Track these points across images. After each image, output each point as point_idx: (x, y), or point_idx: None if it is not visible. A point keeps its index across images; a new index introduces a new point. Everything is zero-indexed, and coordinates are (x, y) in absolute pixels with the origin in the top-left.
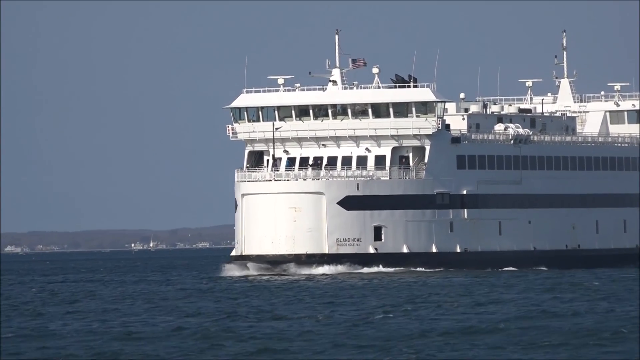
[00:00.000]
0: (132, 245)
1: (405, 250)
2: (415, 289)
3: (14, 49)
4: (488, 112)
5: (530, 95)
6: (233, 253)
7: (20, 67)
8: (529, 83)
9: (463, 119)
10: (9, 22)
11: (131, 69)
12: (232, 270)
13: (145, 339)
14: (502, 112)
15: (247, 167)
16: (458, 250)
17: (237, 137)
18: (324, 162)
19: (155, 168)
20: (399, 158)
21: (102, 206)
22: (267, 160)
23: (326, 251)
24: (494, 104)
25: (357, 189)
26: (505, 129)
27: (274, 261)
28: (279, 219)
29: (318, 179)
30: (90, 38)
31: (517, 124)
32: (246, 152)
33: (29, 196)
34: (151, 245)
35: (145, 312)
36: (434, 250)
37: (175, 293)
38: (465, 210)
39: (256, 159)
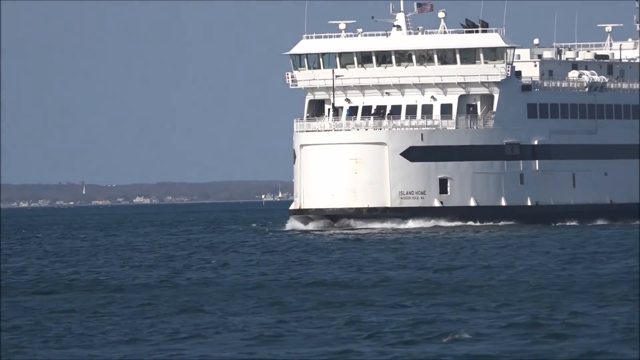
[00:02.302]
0: (263, 196)
1: (472, 203)
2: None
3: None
4: (562, 59)
5: (610, 41)
6: (292, 207)
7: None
8: (608, 28)
9: (535, 65)
10: None
11: (185, 14)
12: (294, 223)
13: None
14: (576, 59)
15: (307, 117)
16: (529, 203)
17: (296, 85)
18: (387, 111)
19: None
20: (466, 107)
21: (230, 157)
22: (328, 110)
23: (389, 205)
24: (569, 49)
25: (422, 139)
26: (580, 75)
27: (334, 215)
28: (339, 171)
29: (380, 129)
30: None
31: (593, 71)
32: (306, 100)
33: (157, 148)
34: (280, 196)
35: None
36: (503, 203)
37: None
38: (537, 161)
39: (317, 108)
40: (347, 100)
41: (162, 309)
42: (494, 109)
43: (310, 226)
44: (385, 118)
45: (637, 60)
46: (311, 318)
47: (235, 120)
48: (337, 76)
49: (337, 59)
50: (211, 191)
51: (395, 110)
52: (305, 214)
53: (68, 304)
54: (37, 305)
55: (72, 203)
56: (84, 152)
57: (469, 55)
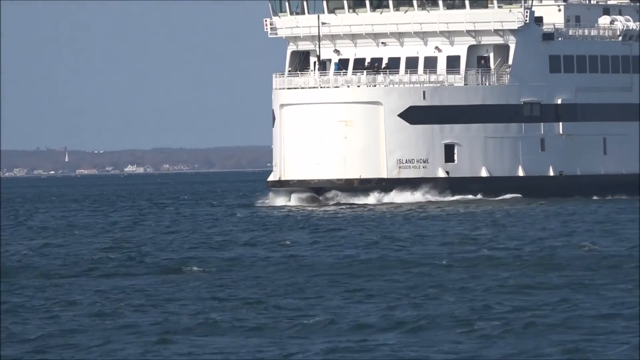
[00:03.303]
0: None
1: (484, 174)
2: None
3: None
4: (591, 2)
5: None
6: (271, 177)
7: None
8: None
9: (559, 10)
10: None
11: None
12: (275, 199)
13: None
14: (608, 2)
15: (289, 72)
16: (551, 173)
17: (276, 34)
18: (383, 64)
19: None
20: (477, 59)
21: (237, 120)
22: (314, 63)
23: (384, 175)
24: None
25: (424, 98)
26: (612, 22)
27: (319, 187)
28: (326, 135)
29: (375, 85)
30: None
31: (628, 17)
32: (288, 52)
33: (151, 108)
34: None
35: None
36: (521, 173)
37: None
38: (561, 124)
39: (301, 61)
40: (336, 51)
41: None
42: (510, 62)
43: (292, 201)
44: (381, 73)
45: None
46: None
47: (241, 81)
48: (323, 23)
49: (324, 2)
50: (215, 158)
51: (393, 63)
52: (286, 186)
53: None
54: None
55: (52, 172)
56: (67, 114)
57: None
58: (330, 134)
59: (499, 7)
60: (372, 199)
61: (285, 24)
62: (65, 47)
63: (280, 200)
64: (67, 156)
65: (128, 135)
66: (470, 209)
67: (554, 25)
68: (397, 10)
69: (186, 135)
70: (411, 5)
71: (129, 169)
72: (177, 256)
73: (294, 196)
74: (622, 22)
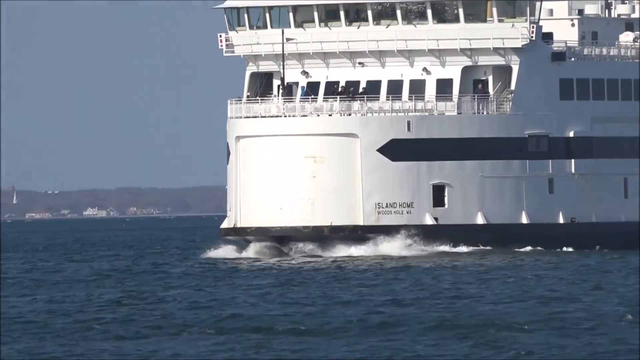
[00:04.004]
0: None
1: (480, 220)
2: None
3: None
4: (612, 15)
5: None
6: (224, 225)
7: None
8: None
9: (572, 25)
10: None
11: None
12: (225, 250)
13: None
14: (632, 15)
15: (248, 97)
16: (561, 221)
17: (233, 52)
18: (361, 88)
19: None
20: (473, 83)
21: (215, 154)
22: (277, 87)
23: (361, 222)
24: (622, 2)
25: (409, 129)
26: (636, 40)
27: (282, 236)
28: (291, 173)
29: (350, 114)
30: None
31: None
32: (247, 73)
33: (115, 141)
34: None
35: None
36: (525, 221)
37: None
38: (573, 161)
39: (262, 85)
40: (304, 73)
41: None
42: (512, 87)
43: (249, 252)
44: (358, 99)
45: None
46: None
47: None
48: (289, 39)
49: (291, 14)
50: (192, 200)
51: (372, 87)
52: (242, 235)
53: None
54: None
55: None
56: (13, 148)
57: (476, 10)
58: (296, 173)
59: (500, 21)
60: (344, 250)
61: (244, 40)
62: (10, 69)
63: (229, 252)
64: (15, 197)
65: (88, 172)
66: (465, 263)
67: (566, 43)
68: (378, 24)
69: (157, 172)
70: (394, 18)
71: (89, 212)
72: None
73: (252, 247)
74: None
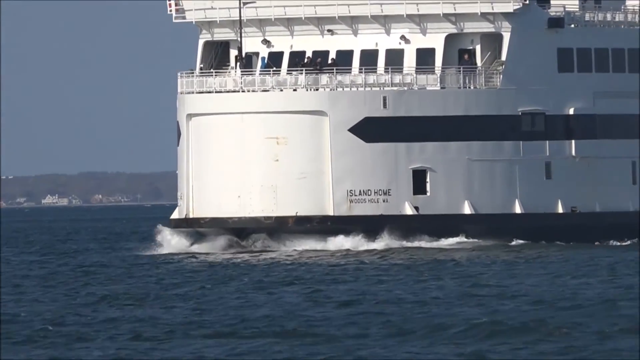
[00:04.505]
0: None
1: (467, 210)
2: None
3: None
4: None
5: None
6: (175, 215)
7: None
8: None
9: None
10: None
11: None
12: (173, 242)
13: None
14: None
15: (202, 69)
16: (560, 210)
17: (184, 18)
18: (330, 59)
19: None
20: (458, 53)
21: None
22: (235, 58)
23: (330, 212)
24: None
25: (385, 106)
26: None
27: (240, 229)
28: (251, 157)
29: (317, 89)
30: None
31: None
32: (200, 43)
33: (77, 122)
34: None
35: None
36: (518, 210)
37: None
38: (573, 142)
39: (217, 55)
40: (266, 42)
41: None
42: (503, 57)
43: (203, 246)
44: (326, 72)
45: None
46: None
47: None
48: (247, 3)
49: None
50: (164, 186)
51: (343, 58)
52: (195, 227)
53: None
54: None
55: None
56: None
57: None
58: (256, 156)
59: None
60: (310, 244)
61: (196, 5)
62: None
63: (179, 244)
64: None
65: (47, 155)
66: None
67: (565, 8)
68: None
69: (124, 156)
70: None
71: (49, 200)
72: None
73: (207, 240)
74: None
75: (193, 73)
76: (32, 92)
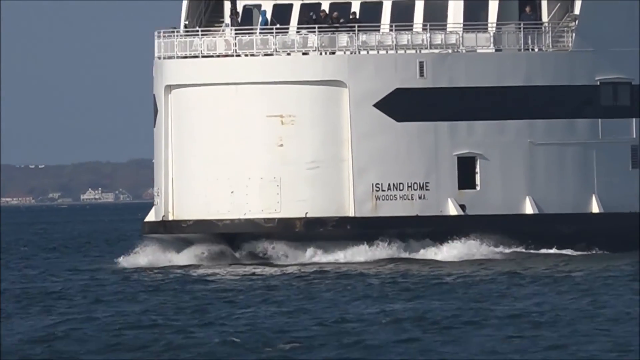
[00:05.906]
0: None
1: (528, 209)
2: None
3: None
4: None
5: None
6: (150, 216)
7: None
8: None
9: None
10: None
11: None
12: (152, 252)
13: None
14: None
15: (186, 26)
16: None
17: None
18: (351, 14)
19: None
20: (518, 6)
21: None
22: (230, 12)
23: (350, 212)
24: None
25: (422, 74)
26: None
27: (234, 234)
28: (248, 140)
29: (334, 52)
30: None
31: None
32: None
33: (26, 110)
34: None
35: None
36: (595, 209)
37: None
38: None
39: (207, 12)
40: None
41: None
42: (576, 11)
43: (185, 256)
44: (346, 30)
45: None
46: None
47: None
48: None
49: None
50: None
51: (369, 13)
52: (175, 232)
53: None
54: None
55: None
56: None
57: None
58: (255, 139)
59: None
60: (332, 253)
61: None
62: None
63: (161, 256)
64: None
65: (88, 139)
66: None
67: None
68: None
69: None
70: None
71: (89, 195)
72: None
73: (190, 250)
74: None
75: (174, 32)
76: (71, 67)
